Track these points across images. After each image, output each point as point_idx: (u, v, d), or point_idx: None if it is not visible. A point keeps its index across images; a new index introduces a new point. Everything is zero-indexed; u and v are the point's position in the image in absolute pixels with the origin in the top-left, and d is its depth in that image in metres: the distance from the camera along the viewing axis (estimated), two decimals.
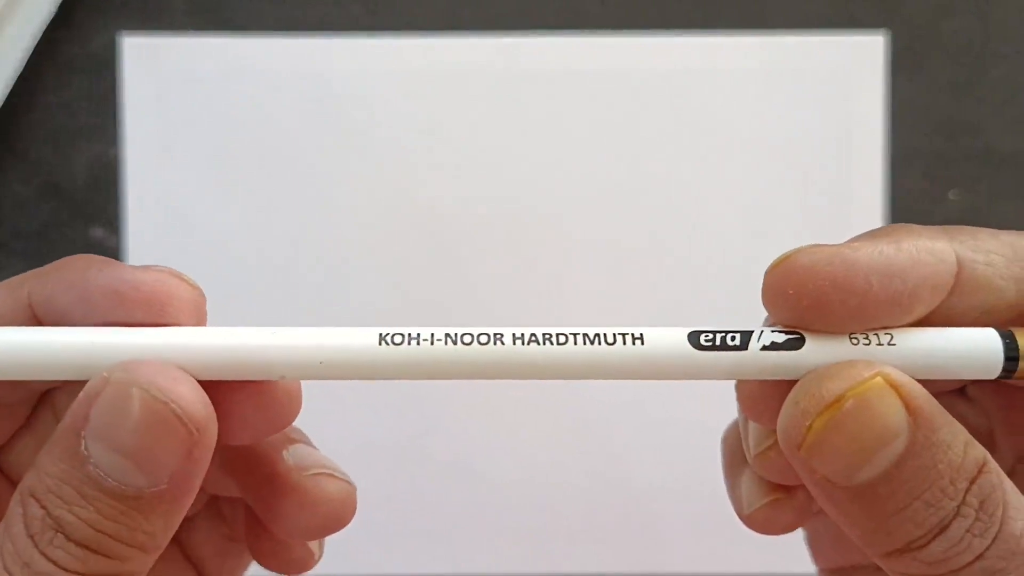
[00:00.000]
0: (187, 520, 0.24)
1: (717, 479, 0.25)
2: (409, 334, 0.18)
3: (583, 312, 0.39)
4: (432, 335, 0.18)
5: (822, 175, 0.39)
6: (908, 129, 0.39)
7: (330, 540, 0.23)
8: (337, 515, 0.22)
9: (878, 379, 0.18)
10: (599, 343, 0.19)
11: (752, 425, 0.22)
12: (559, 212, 0.39)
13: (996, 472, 0.19)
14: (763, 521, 0.24)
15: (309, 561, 0.24)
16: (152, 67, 0.39)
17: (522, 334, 0.19)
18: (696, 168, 0.39)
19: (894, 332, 0.19)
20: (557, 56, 0.39)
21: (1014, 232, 0.21)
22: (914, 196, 0.39)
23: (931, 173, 0.40)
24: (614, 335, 0.19)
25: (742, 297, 0.34)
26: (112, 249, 0.39)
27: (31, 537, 0.17)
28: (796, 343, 0.19)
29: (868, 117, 0.39)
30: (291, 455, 0.22)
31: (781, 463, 0.22)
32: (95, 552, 0.18)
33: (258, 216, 0.39)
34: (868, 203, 0.39)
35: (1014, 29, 0.40)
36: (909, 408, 0.18)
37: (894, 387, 0.18)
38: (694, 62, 0.39)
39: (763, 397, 0.20)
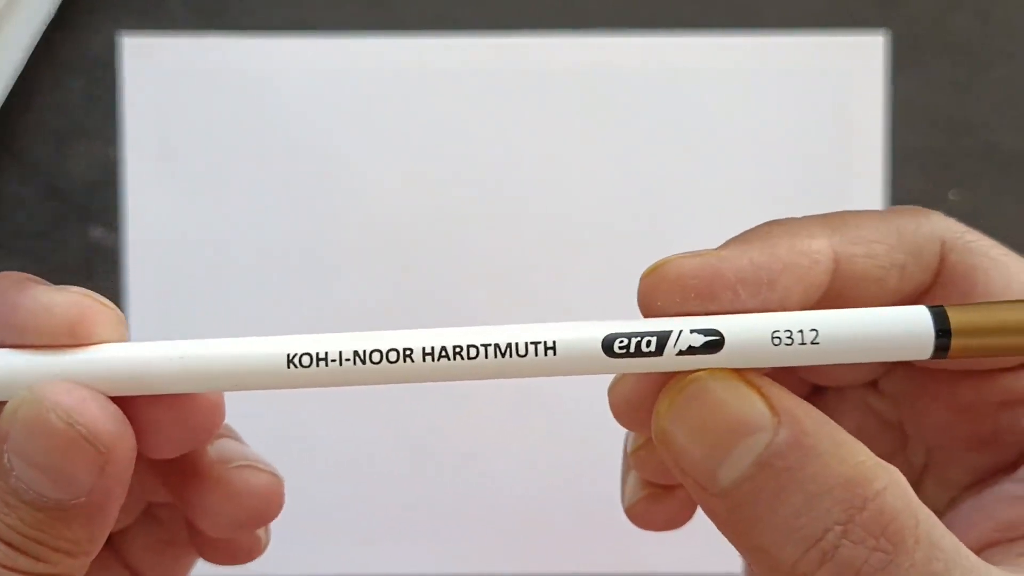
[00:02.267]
0: (124, 529, 0.24)
1: None
2: (317, 354, 0.18)
3: (581, 311, 0.39)
4: (340, 354, 0.18)
5: (822, 175, 0.39)
6: (908, 129, 0.39)
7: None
8: (262, 507, 0.22)
9: (719, 371, 0.18)
10: (511, 355, 0.18)
11: None
12: (558, 211, 0.39)
13: (903, 498, 0.17)
14: (641, 515, 0.24)
15: (256, 548, 0.24)
16: (152, 67, 0.39)
17: (432, 348, 0.18)
18: (696, 168, 0.39)
19: (819, 327, 0.18)
20: (557, 56, 0.39)
21: (904, 210, 0.21)
22: (914, 196, 0.39)
23: (931, 173, 0.40)
24: (526, 345, 0.18)
25: None
26: (112, 249, 0.39)
27: None
28: (715, 346, 0.18)
29: (868, 117, 0.39)
30: (214, 449, 0.22)
31: (653, 462, 0.22)
32: (23, 553, 0.18)
33: (258, 216, 0.39)
34: (868, 203, 0.39)
35: (1015, 28, 0.40)
36: (773, 407, 0.18)
37: (753, 386, 0.18)
38: (693, 62, 0.39)
39: (633, 403, 0.20)
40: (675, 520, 0.24)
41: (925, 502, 0.23)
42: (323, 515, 0.39)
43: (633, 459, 0.23)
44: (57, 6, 0.38)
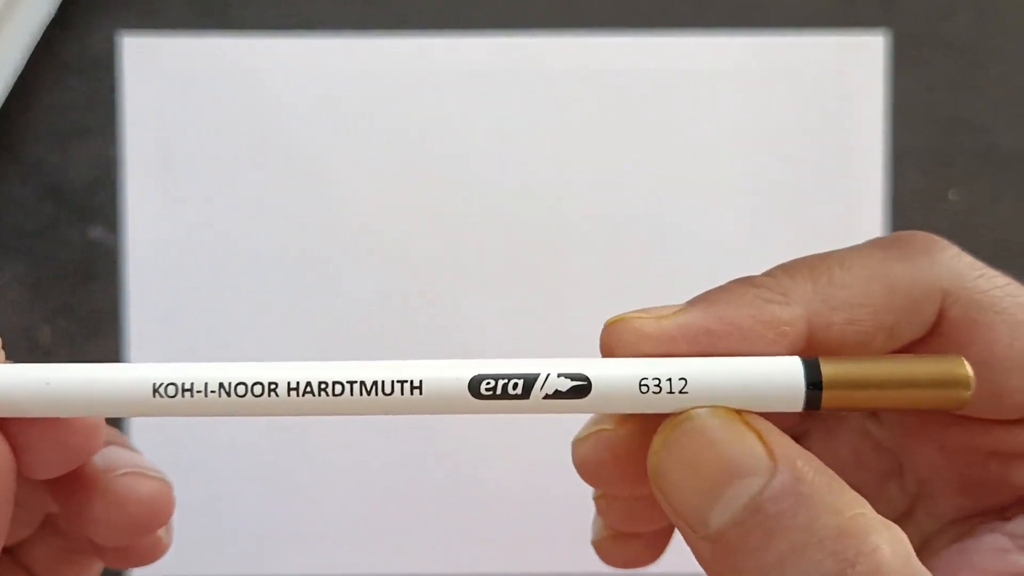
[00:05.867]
0: (24, 541, 0.24)
1: None
2: (182, 384, 0.18)
3: (580, 312, 0.39)
4: (206, 386, 0.18)
5: (822, 175, 0.39)
6: (908, 128, 0.39)
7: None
8: (149, 513, 0.22)
9: (718, 409, 0.18)
10: (377, 392, 0.18)
11: None
12: (558, 211, 0.39)
13: (903, 557, 0.16)
14: (604, 552, 0.23)
15: (156, 549, 0.24)
16: (152, 67, 0.39)
17: (297, 383, 0.18)
18: (696, 168, 0.39)
19: (688, 376, 0.18)
20: (557, 56, 0.39)
21: (906, 251, 0.19)
22: (914, 196, 0.39)
23: (931, 173, 0.40)
24: (392, 384, 0.18)
25: None
26: (111, 249, 0.39)
27: None
28: (581, 391, 0.18)
29: (868, 117, 0.39)
30: (100, 458, 0.22)
31: (613, 511, 0.22)
32: None
33: (258, 216, 0.39)
34: (868, 203, 0.39)
35: (1015, 28, 0.40)
36: (771, 452, 0.17)
37: (752, 428, 0.17)
38: (694, 62, 0.39)
39: (596, 462, 0.20)
40: (637, 561, 0.23)
41: (915, 528, 0.22)
42: (323, 515, 0.39)
43: (596, 504, 0.23)
44: (57, 6, 0.38)
